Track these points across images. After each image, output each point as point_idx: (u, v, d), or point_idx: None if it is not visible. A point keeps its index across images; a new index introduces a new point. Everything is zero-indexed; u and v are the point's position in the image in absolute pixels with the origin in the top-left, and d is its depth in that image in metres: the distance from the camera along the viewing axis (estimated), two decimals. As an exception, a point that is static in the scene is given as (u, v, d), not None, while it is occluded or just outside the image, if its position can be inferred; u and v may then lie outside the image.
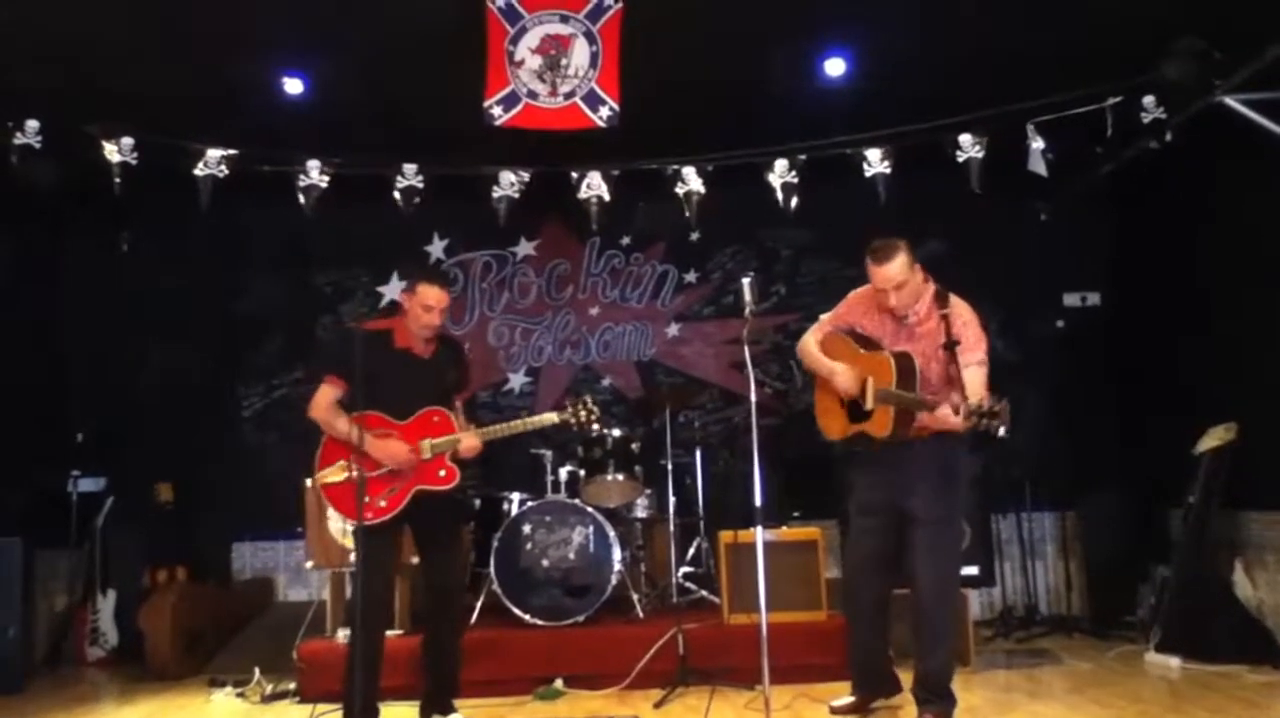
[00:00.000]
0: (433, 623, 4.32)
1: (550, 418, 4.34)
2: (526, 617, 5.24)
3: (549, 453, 5.94)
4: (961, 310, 3.99)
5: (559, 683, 4.95)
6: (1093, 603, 6.51)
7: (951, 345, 3.85)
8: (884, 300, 4.04)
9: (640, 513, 6.01)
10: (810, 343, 4.29)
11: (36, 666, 5.96)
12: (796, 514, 6.18)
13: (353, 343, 4.07)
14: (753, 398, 3.97)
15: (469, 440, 4.21)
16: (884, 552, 4.12)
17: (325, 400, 4.15)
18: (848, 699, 4.30)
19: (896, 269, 3.95)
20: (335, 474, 4.09)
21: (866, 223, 5.75)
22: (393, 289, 7.25)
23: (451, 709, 4.30)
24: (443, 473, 4.17)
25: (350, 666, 3.93)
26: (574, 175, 5.49)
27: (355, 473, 3.92)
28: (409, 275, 4.51)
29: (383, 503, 4.07)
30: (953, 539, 4.00)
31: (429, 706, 4.30)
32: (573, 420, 4.33)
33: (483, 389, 7.18)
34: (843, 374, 4.06)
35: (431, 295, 4.17)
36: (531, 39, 4.91)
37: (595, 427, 4.57)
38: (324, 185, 5.36)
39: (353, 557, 4.13)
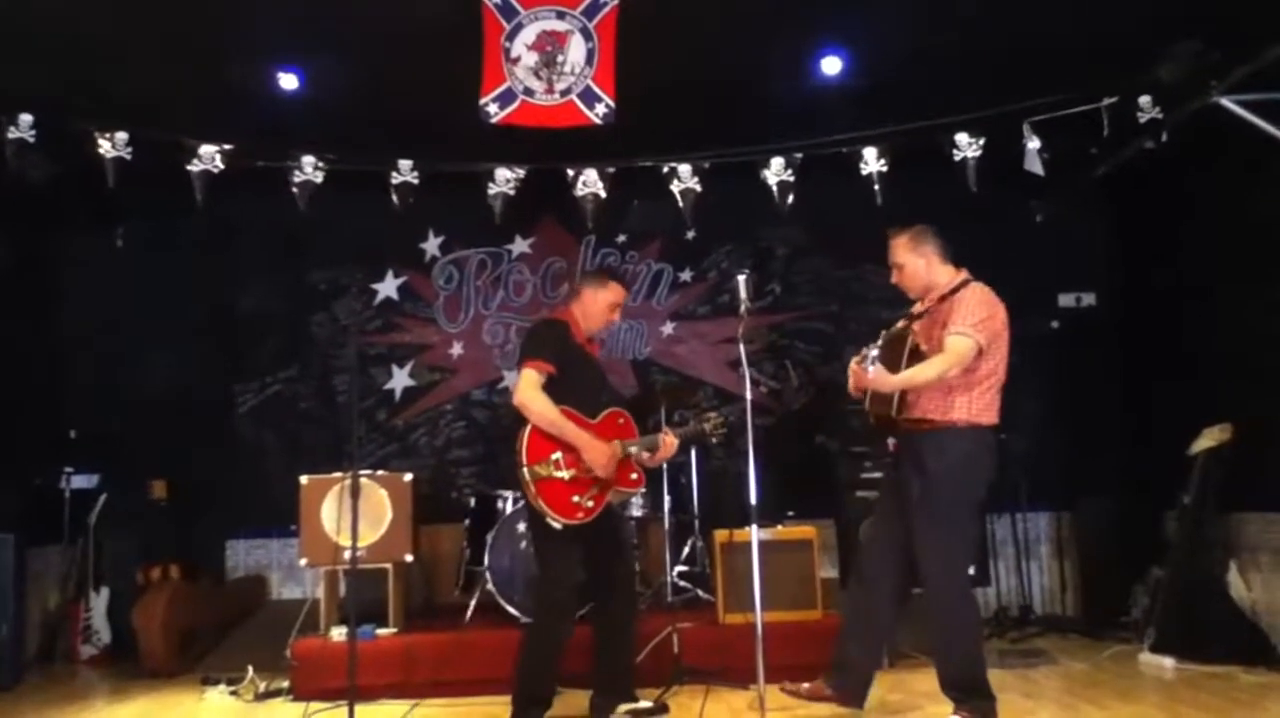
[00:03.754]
0: (609, 612, 4.13)
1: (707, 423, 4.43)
2: (521, 615, 5.22)
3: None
4: (965, 294, 3.93)
5: (553, 682, 4.94)
6: (1087, 603, 6.52)
7: (914, 316, 3.98)
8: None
9: (635, 512, 5.99)
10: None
11: (29, 663, 5.92)
12: (791, 513, 6.16)
13: (555, 331, 4.05)
14: (748, 397, 3.99)
15: (669, 441, 4.16)
16: (891, 539, 4.03)
17: (534, 386, 3.90)
18: (809, 685, 4.18)
19: (895, 248, 4.11)
20: (547, 469, 3.90)
21: (862, 222, 5.78)
22: (387, 287, 7.24)
23: (635, 698, 4.20)
24: (634, 476, 4.16)
25: (530, 656, 3.93)
26: (570, 173, 5.48)
27: (349, 476, 3.89)
28: (590, 272, 4.43)
29: (590, 503, 3.96)
30: (943, 535, 3.85)
31: (612, 695, 4.13)
32: (708, 430, 4.43)
33: (476, 388, 7.17)
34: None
35: (620, 293, 4.17)
36: (528, 35, 4.89)
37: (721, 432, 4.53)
38: (318, 182, 5.36)
39: (351, 555, 4.07)
